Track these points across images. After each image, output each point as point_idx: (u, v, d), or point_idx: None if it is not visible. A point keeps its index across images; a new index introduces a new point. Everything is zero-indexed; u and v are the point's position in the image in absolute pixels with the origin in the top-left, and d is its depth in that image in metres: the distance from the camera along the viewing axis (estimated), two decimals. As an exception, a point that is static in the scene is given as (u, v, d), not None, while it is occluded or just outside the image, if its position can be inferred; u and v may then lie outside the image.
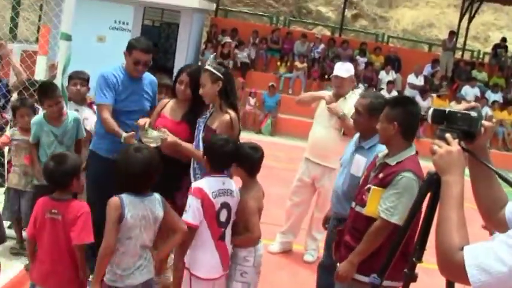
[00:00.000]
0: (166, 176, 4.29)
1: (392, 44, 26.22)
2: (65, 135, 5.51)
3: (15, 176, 5.92)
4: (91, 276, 4.14)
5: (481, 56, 25.65)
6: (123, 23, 18.65)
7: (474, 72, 21.24)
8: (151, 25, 19.94)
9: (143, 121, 4.96)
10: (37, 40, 12.32)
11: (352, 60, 18.85)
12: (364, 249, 4.01)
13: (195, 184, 4.40)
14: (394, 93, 17.95)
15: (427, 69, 20.65)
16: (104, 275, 3.94)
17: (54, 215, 3.95)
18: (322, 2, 33.07)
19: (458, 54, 23.43)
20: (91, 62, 8.74)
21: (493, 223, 2.47)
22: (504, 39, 23.49)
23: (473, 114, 2.43)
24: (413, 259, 2.74)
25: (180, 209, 4.38)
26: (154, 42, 15.59)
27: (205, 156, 4.43)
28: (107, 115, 5.19)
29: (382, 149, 4.24)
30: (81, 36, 9.67)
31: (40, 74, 6.46)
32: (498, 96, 19.80)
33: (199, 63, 15.55)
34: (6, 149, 6.43)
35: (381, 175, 3.99)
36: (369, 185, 4.05)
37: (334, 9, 32.37)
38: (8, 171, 6.24)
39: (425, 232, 2.65)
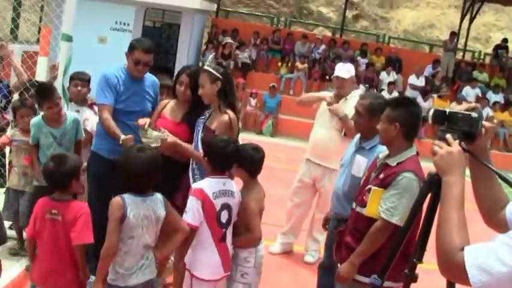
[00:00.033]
0: (165, 176, 4.30)
1: (393, 44, 26.22)
2: (64, 137, 5.50)
3: (15, 177, 5.92)
4: (92, 277, 4.14)
5: (482, 57, 25.66)
6: (124, 24, 18.64)
7: (475, 73, 21.24)
8: (152, 26, 19.95)
9: (143, 121, 4.96)
10: (38, 41, 12.33)
11: (353, 61, 18.85)
12: (365, 250, 4.00)
13: (195, 185, 4.40)
14: (395, 94, 17.94)
15: (428, 70, 20.63)
16: (106, 274, 3.95)
17: (54, 216, 3.96)
18: (323, 3, 33.07)
19: (459, 55, 23.44)
20: (92, 63, 8.73)
21: (494, 224, 2.47)
22: (505, 40, 23.48)
23: (474, 114, 2.43)
24: (414, 260, 2.74)
25: (179, 210, 4.39)
26: (157, 44, 15.58)
27: (206, 157, 4.43)
28: (106, 115, 5.20)
29: (383, 150, 4.24)
30: (82, 37, 9.66)
31: (41, 74, 6.46)
32: (499, 97, 19.79)
33: (200, 64, 15.54)
34: (7, 150, 6.43)
35: (381, 176, 3.99)
36: (369, 186, 4.05)
37: (335, 10, 32.37)
38: (9, 172, 6.25)
39: (426, 233, 2.65)
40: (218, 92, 4.84)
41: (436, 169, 2.39)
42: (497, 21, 33.54)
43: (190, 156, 4.91)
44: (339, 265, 4.25)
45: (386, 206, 3.89)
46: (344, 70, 6.43)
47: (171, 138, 4.81)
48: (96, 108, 5.80)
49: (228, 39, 19.99)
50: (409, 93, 18.88)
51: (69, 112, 5.69)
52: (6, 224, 5.40)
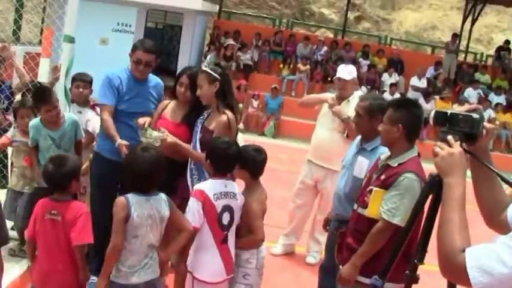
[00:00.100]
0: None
1: (395, 46, 26.26)
2: (62, 139, 5.48)
3: (14, 178, 5.93)
4: (94, 278, 4.15)
5: (484, 59, 25.65)
6: (126, 25, 18.69)
7: (477, 75, 21.25)
8: (154, 27, 20.02)
9: (143, 120, 4.96)
10: (40, 42, 12.32)
11: (354, 62, 18.89)
12: (366, 251, 4.00)
13: (196, 186, 4.41)
14: (397, 95, 17.94)
15: (430, 72, 20.64)
16: (110, 273, 3.96)
17: (54, 216, 3.96)
18: (325, 4, 33.09)
19: (461, 57, 23.45)
20: (94, 64, 8.76)
21: (495, 225, 2.47)
22: (507, 42, 23.46)
23: (475, 116, 2.43)
24: (415, 261, 2.74)
25: None
26: (159, 45, 15.62)
27: (208, 159, 4.43)
28: (106, 116, 5.22)
29: (384, 151, 4.24)
30: (84, 38, 9.68)
31: (43, 76, 6.46)
32: (501, 99, 19.79)
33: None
34: (9, 150, 6.44)
35: (382, 176, 3.99)
36: (370, 187, 4.06)
37: (337, 12, 32.38)
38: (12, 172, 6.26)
39: (427, 234, 2.65)
40: (216, 93, 4.84)
41: (437, 170, 2.39)
42: (499, 23, 33.54)
43: (190, 156, 4.91)
44: (340, 267, 4.25)
45: (388, 207, 3.89)
46: (346, 72, 6.43)
47: (170, 138, 4.82)
48: (98, 109, 5.81)
49: (230, 41, 20.02)
50: (411, 94, 18.88)
51: (68, 114, 5.67)
52: (8, 224, 5.41)
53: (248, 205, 4.47)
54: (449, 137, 2.39)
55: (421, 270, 2.79)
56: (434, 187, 2.52)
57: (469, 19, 22.94)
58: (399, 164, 3.95)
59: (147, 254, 4.00)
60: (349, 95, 6.39)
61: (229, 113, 4.81)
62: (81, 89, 6.15)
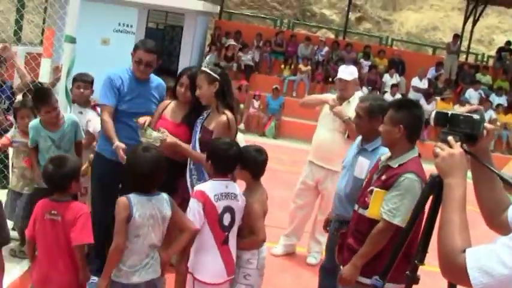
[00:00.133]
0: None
1: (396, 47, 26.24)
2: (62, 140, 5.47)
3: (14, 178, 5.92)
4: (95, 278, 4.15)
5: (485, 59, 25.66)
6: (127, 26, 18.71)
7: (478, 76, 21.24)
8: (155, 28, 20.02)
9: (143, 119, 4.97)
10: (41, 42, 12.35)
11: (356, 63, 18.88)
12: (367, 252, 4.00)
13: (197, 187, 4.40)
14: (398, 96, 17.92)
15: (431, 73, 20.63)
16: (112, 272, 3.97)
17: (53, 216, 3.96)
18: (326, 5, 33.09)
19: (462, 58, 23.45)
20: (95, 65, 8.77)
21: (495, 226, 2.47)
22: (508, 43, 23.43)
23: (476, 116, 2.43)
24: (416, 261, 2.74)
25: None
26: (161, 46, 15.61)
27: (209, 160, 4.43)
28: (106, 117, 5.23)
29: (385, 152, 4.24)
30: (86, 38, 9.70)
31: (44, 76, 6.47)
32: (502, 100, 19.77)
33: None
34: (11, 151, 6.44)
35: (383, 177, 3.99)
36: (371, 187, 4.06)
37: (338, 12, 32.39)
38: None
39: (428, 234, 2.65)
40: (216, 93, 4.84)
41: (437, 171, 2.39)
42: (501, 24, 33.54)
43: (189, 156, 4.91)
44: (341, 267, 4.25)
45: (388, 207, 3.89)
46: (347, 72, 6.43)
47: (170, 138, 4.82)
48: (99, 109, 5.81)
49: (231, 41, 20.02)
50: (412, 95, 18.87)
51: (68, 114, 5.66)
52: (9, 224, 5.41)
53: (249, 206, 4.46)
54: (450, 138, 2.39)
55: (421, 270, 2.79)
56: (435, 188, 2.52)
57: (470, 20, 22.94)
58: (400, 165, 3.96)
59: (148, 254, 4.01)
60: (350, 96, 6.38)
61: (228, 113, 4.81)
62: (82, 90, 6.15)
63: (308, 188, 6.92)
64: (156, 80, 5.53)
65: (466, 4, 23.42)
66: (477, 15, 22.87)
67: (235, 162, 4.44)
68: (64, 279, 4.00)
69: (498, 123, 18.22)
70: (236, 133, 5.03)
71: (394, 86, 18.90)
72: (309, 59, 20.51)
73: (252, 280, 4.54)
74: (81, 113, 6.06)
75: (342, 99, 6.40)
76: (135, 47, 5.33)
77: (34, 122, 5.50)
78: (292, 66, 20.51)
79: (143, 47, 5.26)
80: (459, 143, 2.38)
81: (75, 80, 6.10)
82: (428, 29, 33.61)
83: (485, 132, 2.46)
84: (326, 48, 21.05)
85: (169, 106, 5.27)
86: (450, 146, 2.37)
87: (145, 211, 3.93)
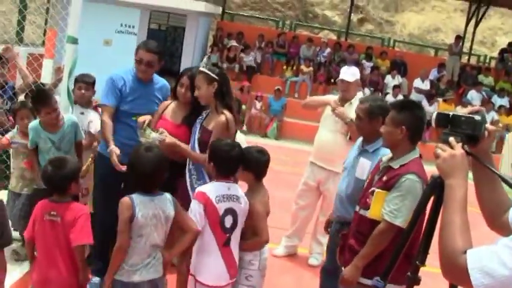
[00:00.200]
0: None
1: (398, 48, 26.25)
2: (62, 141, 5.45)
3: (13, 179, 5.91)
4: (96, 278, 4.16)
5: (487, 61, 25.64)
6: (130, 27, 18.74)
7: (480, 77, 21.22)
8: (157, 29, 20.05)
9: (143, 119, 4.97)
10: (43, 43, 12.39)
11: (358, 64, 18.87)
12: (368, 253, 4.00)
13: (199, 188, 4.39)
14: (400, 97, 17.93)
15: (433, 74, 20.63)
16: (116, 271, 3.98)
17: (53, 217, 3.97)
18: (328, 6, 33.11)
19: (464, 59, 23.42)
20: (97, 65, 8.79)
21: (497, 227, 2.47)
22: (511, 44, 23.44)
23: (477, 118, 2.43)
24: (417, 262, 2.74)
25: None
26: (163, 47, 15.60)
27: (211, 162, 4.42)
28: (105, 118, 5.25)
29: (386, 152, 4.24)
30: (88, 39, 9.68)
31: (46, 77, 6.49)
32: (504, 101, 19.76)
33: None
34: (11, 152, 6.43)
35: (384, 178, 3.99)
36: (372, 188, 4.05)
37: (340, 13, 32.40)
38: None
39: (429, 236, 2.65)
40: (215, 93, 4.83)
41: (439, 172, 2.39)
42: (503, 25, 33.53)
43: (188, 157, 4.90)
44: (342, 268, 4.24)
45: (390, 208, 3.89)
46: (349, 73, 6.42)
47: (169, 139, 4.80)
48: (101, 110, 5.81)
49: (233, 42, 20.03)
50: (414, 96, 18.87)
51: (67, 115, 5.65)
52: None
53: (252, 206, 4.46)
54: (451, 139, 2.39)
55: (423, 272, 2.78)
56: (436, 189, 2.52)
57: (473, 21, 22.93)
58: (401, 166, 3.95)
59: (151, 254, 4.02)
60: (352, 97, 6.38)
61: (227, 113, 4.80)
62: (83, 91, 6.13)
63: (310, 189, 6.92)
64: (160, 81, 5.52)
65: (468, 5, 23.43)
66: (479, 16, 22.85)
67: (237, 164, 4.43)
68: (64, 280, 4.00)
69: (500, 125, 18.20)
70: (236, 133, 5.02)
71: (396, 87, 18.90)
72: (311, 60, 20.52)
73: (254, 281, 4.54)
74: (82, 113, 6.06)
75: (344, 100, 6.39)
76: (137, 47, 5.34)
77: (34, 124, 5.48)
78: (294, 68, 20.52)
79: (145, 47, 5.27)
80: (460, 144, 2.37)
81: (76, 81, 6.08)
82: (430, 30, 33.61)
83: (486, 133, 2.46)
84: (328, 50, 21.06)
85: (170, 106, 5.27)
86: (451, 147, 2.36)
87: (148, 211, 3.94)
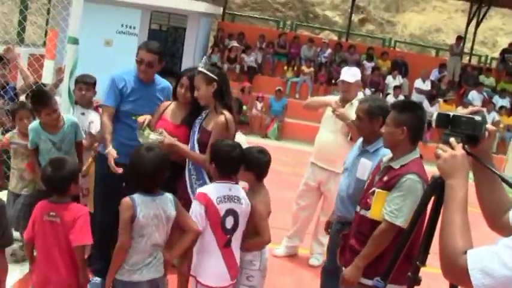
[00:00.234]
0: None
1: (399, 48, 26.25)
2: (63, 142, 5.44)
3: (13, 180, 5.90)
4: (97, 279, 4.16)
5: (488, 61, 25.62)
6: (130, 27, 18.75)
7: (481, 77, 21.20)
8: (158, 29, 20.03)
9: (142, 119, 4.97)
10: (44, 44, 12.38)
11: (359, 64, 18.89)
12: (369, 253, 4.00)
13: (200, 189, 4.39)
14: (401, 98, 17.91)
15: (434, 74, 20.62)
16: (117, 271, 4.00)
17: (52, 218, 3.97)
18: (329, 7, 33.10)
19: (465, 59, 23.41)
20: (98, 66, 8.79)
21: (497, 227, 2.47)
22: (512, 44, 23.43)
23: (478, 118, 2.43)
24: (417, 263, 2.74)
25: None
26: (164, 47, 15.60)
27: (212, 163, 4.41)
28: (105, 118, 5.26)
29: (386, 153, 4.24)
30: (88, 40, 9.71)
31: (47, 77, 6.47)
32: (505, 102, 19.73)
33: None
34: (11, 152, 6.42)
35: (385, 178, 3.99)
36: (373, 188, 4.05)
37: (341, 14, 32.40)
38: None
39: (429, 236, 2.65)
40: (214, 93, 4.82)
41: (439, 172, 2.39)
42: (504, 26, 33.50)
43: (188, 157, 4.88)
44: (343, 269, 4.24)
45: (391, 208, 3.89)
46: (350, 74, 6.42)
47: (168, 140, 4.79)
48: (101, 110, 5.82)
49: (234, 43, 20.03)
50: (415, 97, 18.86)
51: (67, 116, 5.64)
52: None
53: (254, 207, 4.46)
54: (452, 139, 2.39)
55: (423, 272, 2.78)
56: (437, 189, 2.52)
57: (474, 22, 22.91)
58: (401, 166, 3.96)
59: (152, 254, 4.03)
60: (353, 98, 6.37)
61: (227, 114, 4.79)
62: (83, 92, 6.13)
63: (310, 189, 6.92)
64: (162, 82, 5.52)
65: (469, 6, 23.42)
66: (480, 16, 22.84)
67: (238, 164, 4.43)
68: (64, 280, 4.01)
69: (501, 125, 18.20)
70: (236, 133, 5.02)
71: (397, 88, 18.90)
72: (312, 60, 20.51)
73: (255, 281, 4.54)
74: (83, 114, 6.06)
75: (345, 101, 6.39)
76: (138, 47, 5.35)
77: (34, 125, 5.47)
78: (295, 68, 20.50)
79: (145, 47, 5.27)
80: (461, 145, 2.38)
81: (77, 81, 6.07)
82: (431, 30, 33.60)
83: (486, 133, 2.46)
84: (329, 50, 21.06)
85: (170, 107, 5.26)
86: (452, 148, 2.37)
87: (149, 211, 3.95)
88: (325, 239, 6.68)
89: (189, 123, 5.06)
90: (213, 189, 4.31)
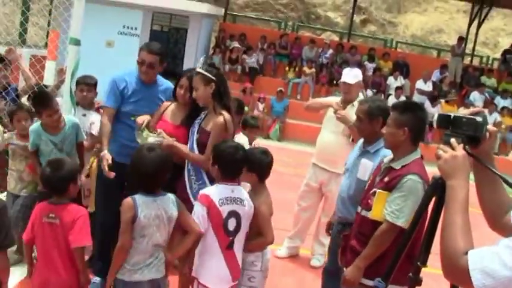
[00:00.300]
0: None
1: (400, 49, 26.22)
2: (64, 143, 5.45)
3: (12, 181, 5.90)
4: (97, 278, 4.17)
5: (490, 62, 25.60)
6: (132, 28, 18.76)
7: (483, 78, 21.19)
8: (159, 30, 20.05)
9: (141, 119, 4.97)
10: (46, 45, 12.37)
11: (360, 65, 18.88)
12: (370, 253, 4.00)
13: (202, 191, 4.39)
14: (403, 98, 17.91)
15: (436, 75, 20.60)
16: (118, 271, 4.00)
17: (51, 219, 3.97)
18: (331, 7, 33.09)
19: (467, 60, 23.39)
20: (100, 67, 8.80)
21: (498, 228, 2.47)
22: (513, 45, 23.41)
23: (478, 119, 2.43)
24: (418, 263, 2.74)
25: None
26: (165, 48, 15.62)
27: (215, 165, 4.41)
28: (105, 120, 5.27)
29: (387, 153, 4.24)
30: (90, 41, 9.72)
31: (49, 78, 6.47)
32: (507, 102, 19.72)
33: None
34: (10, 153, 6.42)
35: (386, 179, 4.00)
36: (374, 189, 4.06)
37: (343, 15, 32.38)
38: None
39: (430, 236, 2.65)
40: (212, 94, 4.81)
41: (440, 173, 2.39)
42: (506, 26, 33.46)
43: (187, 158, 4.87)
44: (344, 269, 4.24)
45: (392, 209, 3.89)
46: (351, 75, 6.42)
47: (166, 141, 4.79)
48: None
49: (236, 44, 20.04)
50: (416, 98, 18.85)
51: (68, 116, 5.63)
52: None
53: (257, 208, 4.46)
54: (453, 140, 2.39)
55: (424, 272, 2.78)
56: (438, 189, 2.52)
57: (475, 22, 22.88)
58: (402, 166, 3.96)
59: (153, 254, 4.03)
60: (354, 99, 6.37)
61: (225, 114, 4.78)
62: (84, 93, 6.13)
63: (312, 190, 6.92)
64: (165, 83, 5.51)
65: (471, 6, 23.39)
66: (482, 17, 22.80)
67: (242, 166, 4.43)
68: (64, 282, 4.01)
69: (503, 126, 18.19)
70: (234, 133, 5.01)
71: (399, 89, 18.89)
72: (314, 61, 20.51)
73: (256, 282, 4.54)
74: (84, 115, 6.07)
75: (346, 102, 6.40)
76: (139, 48, 5.35)
77: (35, 126, 5.47)
78: (297, 69, 20.52)
79: (146, 48, 5.27)
80: (461, 145, 2.38)
81: (78, 82, 6.07)
82: (433, 31, 33.57)
83: (487, 134, 2.46)
84: (330, 51, 21.05)
85: (169, 108, 5.25)
86: (453, 148, 2.37)
87: (150, 211, 3.95)
88: (326, 240, 6.68)
89: (189, 123, 5.06)
90: (216, 191, 4.31)
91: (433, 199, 2.61)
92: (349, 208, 4.80)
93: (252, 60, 19.71)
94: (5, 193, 6.14)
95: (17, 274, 5.50)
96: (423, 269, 2.75)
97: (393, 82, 19.78)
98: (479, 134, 2.44)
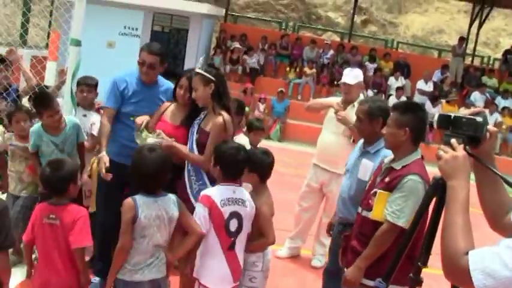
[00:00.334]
0: None
1: (401, 49, 26.23)
2: (65, 143, 5.45)
3: (12, 182, 5.89)
4: (96, 278, 4.17)
5: (491, 62, 25.59)
6: (133, 29, 18.78)
7: (484, 78, 21.18)
8: (160, 31, 20.04)
9: (141, 120, 4.96)
10: (47, 46, 12.39)
11: (361, 66, 18.88)
12: (371, 254, 4.00)
13: (204, 192, 4.39)
14: (403, 99, 17.90)
15: (437, 75, 20.59)
16: (118, 271, 4.01)
17: (52, 220, 3.97)
18: (332, 8, 33.09)
19: (468, 60, 23.36)
20: (100, 68, 8.80)
21: (499, 228, 2.47)
22: (514, 45, 23.39)
23: (479, 119, 2.43)
24: (419, 264, 2.74)
25: None
26: (166, 49, 15.61)
27: (217, 166, 4.40)
28: (105, 120, 5.27)
29: (387, 153, 4.24)
30: (91, 41, 9.72)
31: (50, 79, 6.48)
32: (508, 103, 19.70)
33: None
34: (9, 154, 6.41)
35: (386, 179, 4.00)
36: (375, 189, 4.06)
37: (344, 15, 32.39)
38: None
39: (431, 237, 2.65)
40: (212, 94, 4.81)
41: (440, 173, 2.39)
42: (507, 26, 33.46)
43: (186, 159, 4.85)
44: (345, 270, 4.24)
45: (392, 209, 3.89)
46: (351, 76, 6.42)
47: (166, 141, 4.77)
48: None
49: (236, 44, 20.04)
50: (417, 98, 18.85)
51: (68, 117, 5.63)
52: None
53: (258, 208, 4.46)
54: (453, 140, 2.39)
55: (425, 273, 2.78)
56: (438, 190, 2.52)
57: (476, 22, 22.85)
58: (403, 167, 3.96)
59: (153, 254, 4.04)
60: (355, 99, 6.37)
61: (225, 114, 4.76)
62: (85, 94, 6.12)
63: (313, 190, 6.92)
64: (166, 84, 5.50)
65: (471, 7, 23.38)
66: (483, 17, 22.79)
67: (243, 167, 4.43)
68: (64, 282, 4.01)
69: (504, 126, 18.18)
70: (234, 134, 5.01)
71: (400, 89, 18.88)
72: (314, 61, 20.50)
73: (258, 282, 4.55)
74: (85, 116, 6.06)
75: (347, 102, 6.40)
76: (140, 49, 5.35)
77: (36, 127, 5.47)
78: (298, 69, 20.51)
79: (147, 49, 5.27)
80: (462, 146, 2.38)
81: (78, 83, 6.06)
82: (433, 31, 33.57)
83: (488, 134, 2.46)
84: (331, 51, 21.05)
85: (169, 108, 5.25)
86: (453, 149, 2.37)
87: (151, 212, 3.95)
88: (327, 240, 6.67)
89: (188, 124, 5.05)
90: (217, 192, 4.31)
91: (434, 199, 2.61)
92: (349, 208, 4.80)
93: (252, 61, 19.70)
94: (6, 194, 6.15)
95: (18, 275, 5.51)
96: (424, 270, 2.75)
97: (394, 82, 19.77)
98: (480, 134, 2.44)
